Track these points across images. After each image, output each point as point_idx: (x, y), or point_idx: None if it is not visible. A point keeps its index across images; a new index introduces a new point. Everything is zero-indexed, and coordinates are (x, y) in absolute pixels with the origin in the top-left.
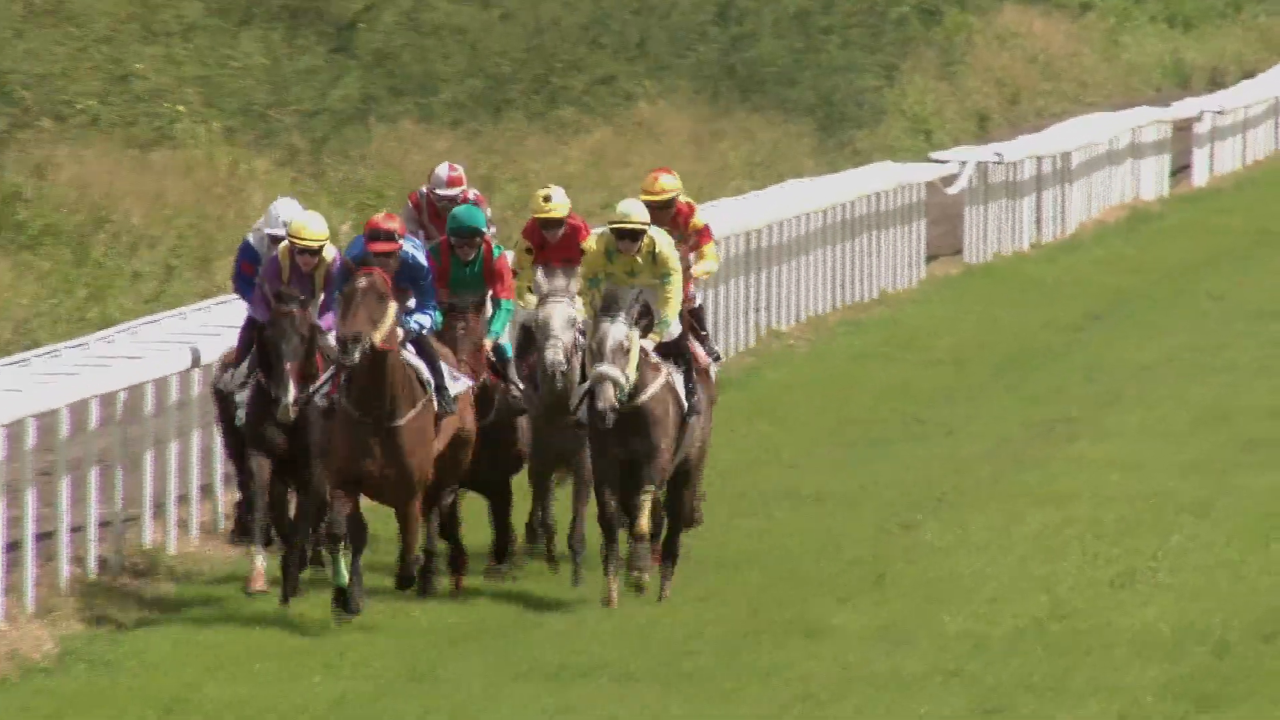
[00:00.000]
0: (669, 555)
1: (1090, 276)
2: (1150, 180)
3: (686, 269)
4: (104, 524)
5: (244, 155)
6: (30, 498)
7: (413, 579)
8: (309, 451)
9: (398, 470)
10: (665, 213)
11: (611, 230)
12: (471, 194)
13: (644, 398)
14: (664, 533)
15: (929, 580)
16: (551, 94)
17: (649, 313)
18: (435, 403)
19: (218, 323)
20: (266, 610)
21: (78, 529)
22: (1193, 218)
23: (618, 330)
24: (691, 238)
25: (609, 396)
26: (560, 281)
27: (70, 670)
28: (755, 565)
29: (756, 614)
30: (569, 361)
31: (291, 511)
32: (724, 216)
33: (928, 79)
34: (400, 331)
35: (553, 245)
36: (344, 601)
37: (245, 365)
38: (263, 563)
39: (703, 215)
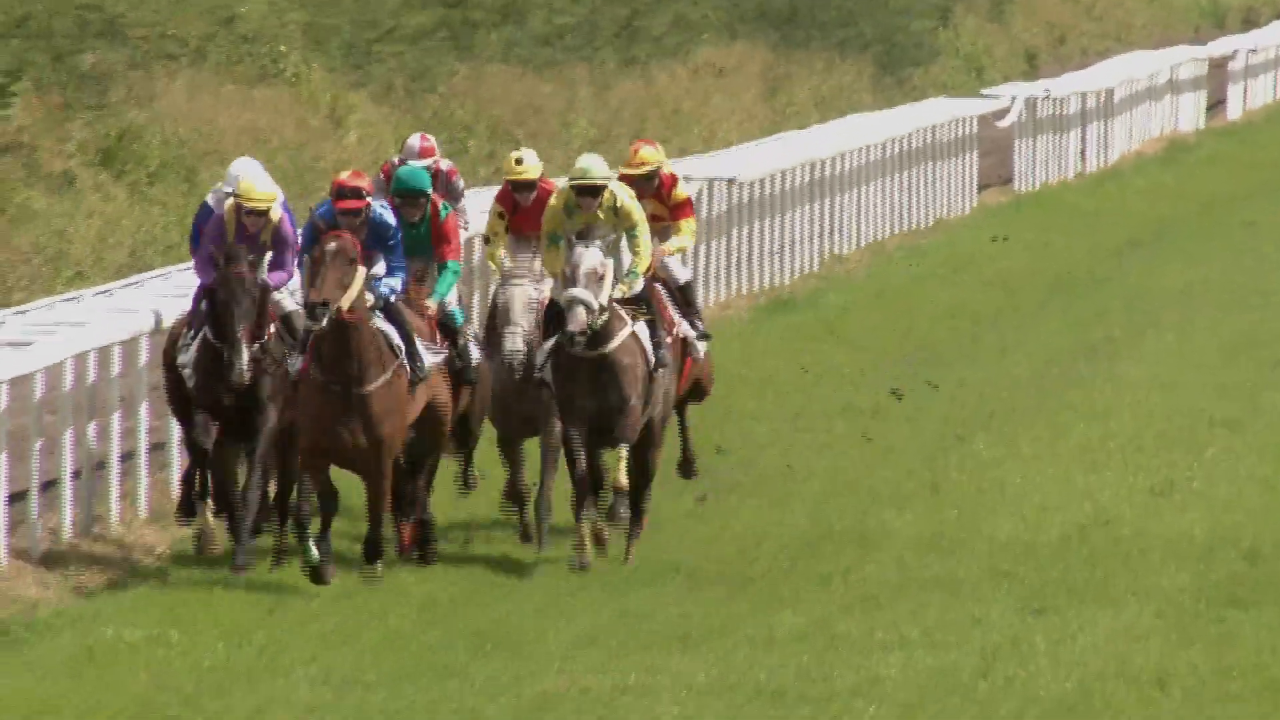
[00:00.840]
0: (635, 515)
1: (1131, 205)
2: (1188, 114)
3: (662, 248)
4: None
5: (342, 92)
6: (143, 410)
7: (380, 551)
8: (257, 411)
9: (368, 437)
10: (648, 184)
11: (571, 187)
12: (444, 164)
13: (611, 346)
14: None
15: (980, 489)
16: (632, 34)
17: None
18: (407, 369)
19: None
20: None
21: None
22: (1228, 150)
23: (592, 255)
24: (673, 210)
25: (581, 319)
26: (525, 258)
27: (180, 571)
28: (816, 476)
29: (817, 522)
30: (529, 347)
31: (240, 481)
32: (790, 149)
33: (980, 20)
34: (370, 296)
35: (525, 208)
36: (316, 577)
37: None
38: (213, 521)
39: (685, 188)
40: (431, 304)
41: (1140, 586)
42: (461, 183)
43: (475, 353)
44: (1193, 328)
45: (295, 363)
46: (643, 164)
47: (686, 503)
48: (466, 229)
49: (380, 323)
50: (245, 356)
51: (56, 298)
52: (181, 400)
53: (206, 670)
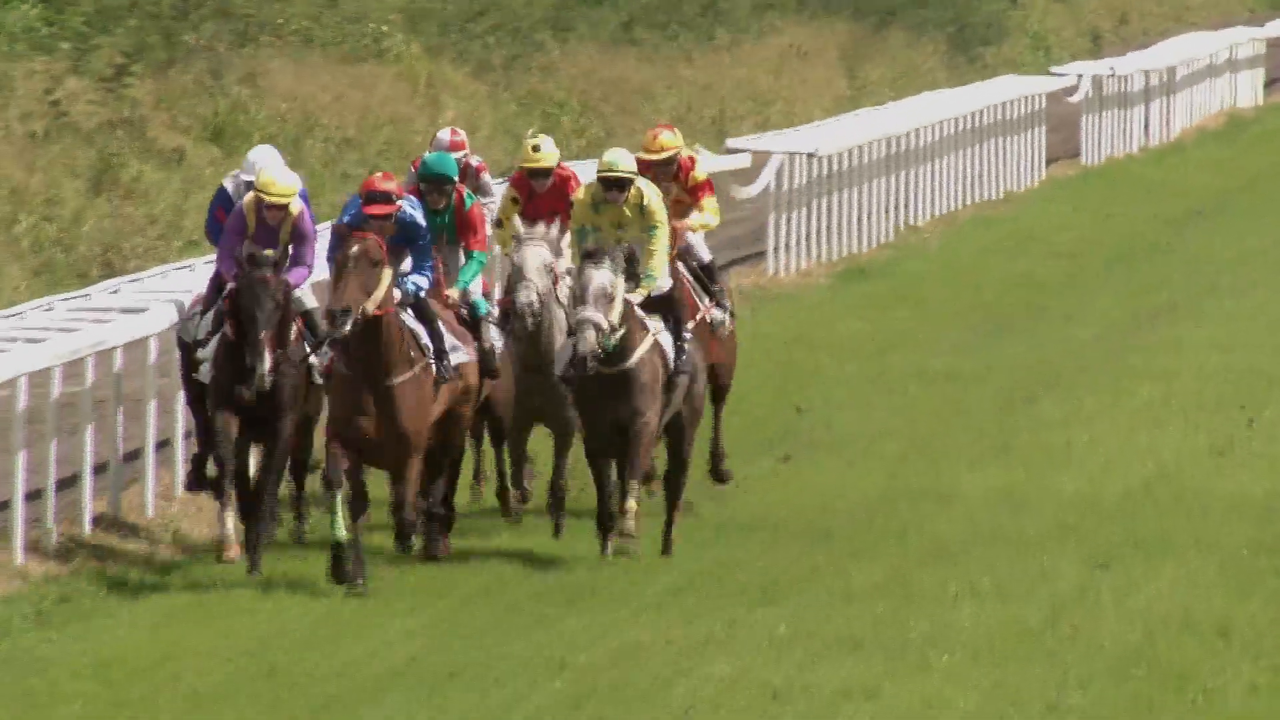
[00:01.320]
0: (672, 504)
1: (1192, 177)
2: (1246, 91)
3: (684, 222)
4: None
5: (440, 69)
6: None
7: (410, 535)
8: (279, 410)
9: (392, 430)
10: (667, 169)
11: (599, 179)
12: (474, 160)
13: (631, 361)
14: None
15: (1047, 449)
16: (715, 15)
17: (635, 264)
18: (434, 368)
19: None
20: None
21: None
22: None
23: (601, 276)
24: (692, 192)
25: (590, 341)
26: (539, 228)
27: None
28: (892, 436)
29: (893, 479)
30: (543, 303)
31: (253, 474)
32: (867, 125)
33: (1048, 1)
34: (397, 293)
35: (540, 195)
36: (339, 572)
37: (210, 317)
38: (233, 526)
39: (703, 169)
40: (454, 293)
41: (1202, 541)
42: (489, 179)
43: (498, 343)
44: (1250, 292)
45: (324, 356)
46: (662, 149)
47: (770, 463)
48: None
49: (408, 319)
50: (268, 364)
51: (169, 265)
52: (193, 384)
53: (318, 620)
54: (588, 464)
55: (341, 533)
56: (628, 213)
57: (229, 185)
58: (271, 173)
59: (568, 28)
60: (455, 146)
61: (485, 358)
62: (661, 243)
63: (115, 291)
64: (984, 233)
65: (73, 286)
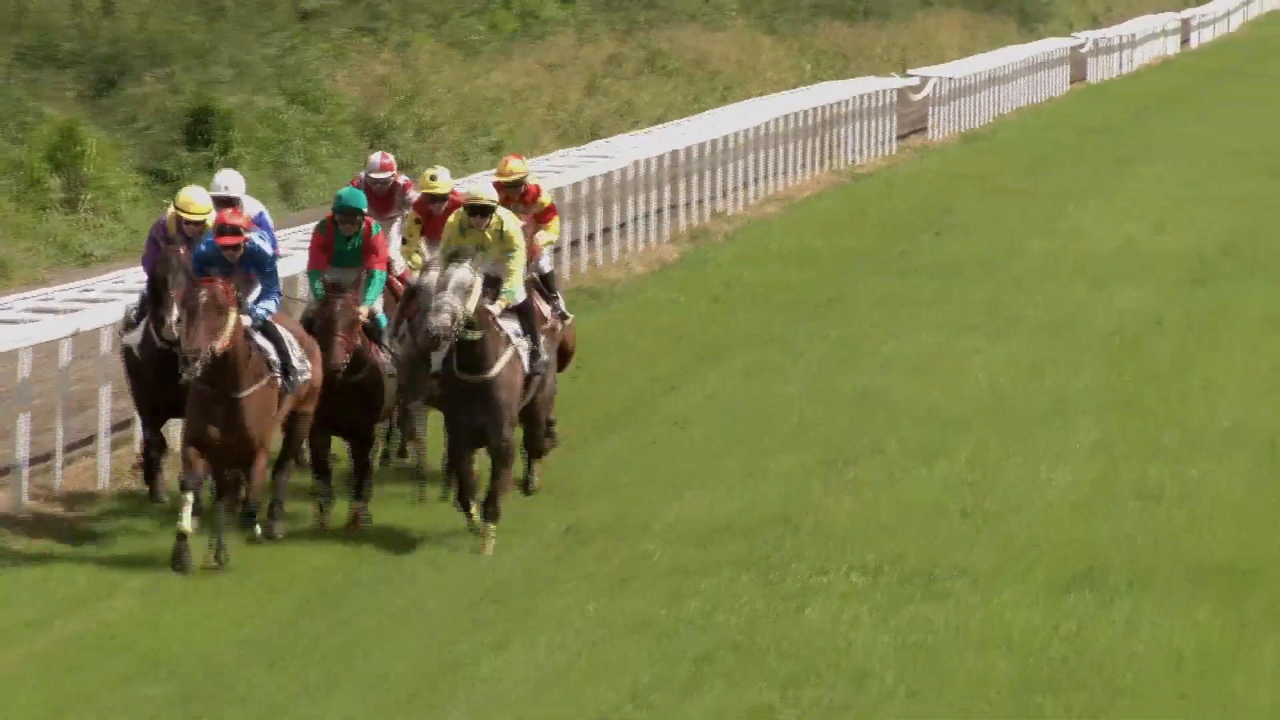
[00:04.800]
0: (535, 453)
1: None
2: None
3: (531, 240)
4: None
5: (759, 37)
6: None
7: (254, 516)
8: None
9: (238, 436)
10: (515, 190)
11: (465, 207)
12: (402, 179)
13: (493, 373)
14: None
15: None
16: (865, 10)
17: (496, 283)
18: (279, 382)
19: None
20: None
21: None
22: None
23: (462, 272)
24: (535, 213)
25: (444, 321)
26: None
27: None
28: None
29: None
30: (452, 324)
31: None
32: (971, 64)
33: None
34: (247, 320)
35: (438, 217)
36: (179, 561)
37: (145, 319)
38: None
39: (548, 195)
40: (364, 309)
41: None
42: (413, 195)
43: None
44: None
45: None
46: (511, 174)
47: None
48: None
49: (258, 338)
50: (175, 314)
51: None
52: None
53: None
54: (450, 460)
55: (186, 525)
56: (489, 236)
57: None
58: (189, 194)
59: (849, 14)
60: (385, 168)
61: (379, 366)
62: (520, 264)
63: None
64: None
65: None
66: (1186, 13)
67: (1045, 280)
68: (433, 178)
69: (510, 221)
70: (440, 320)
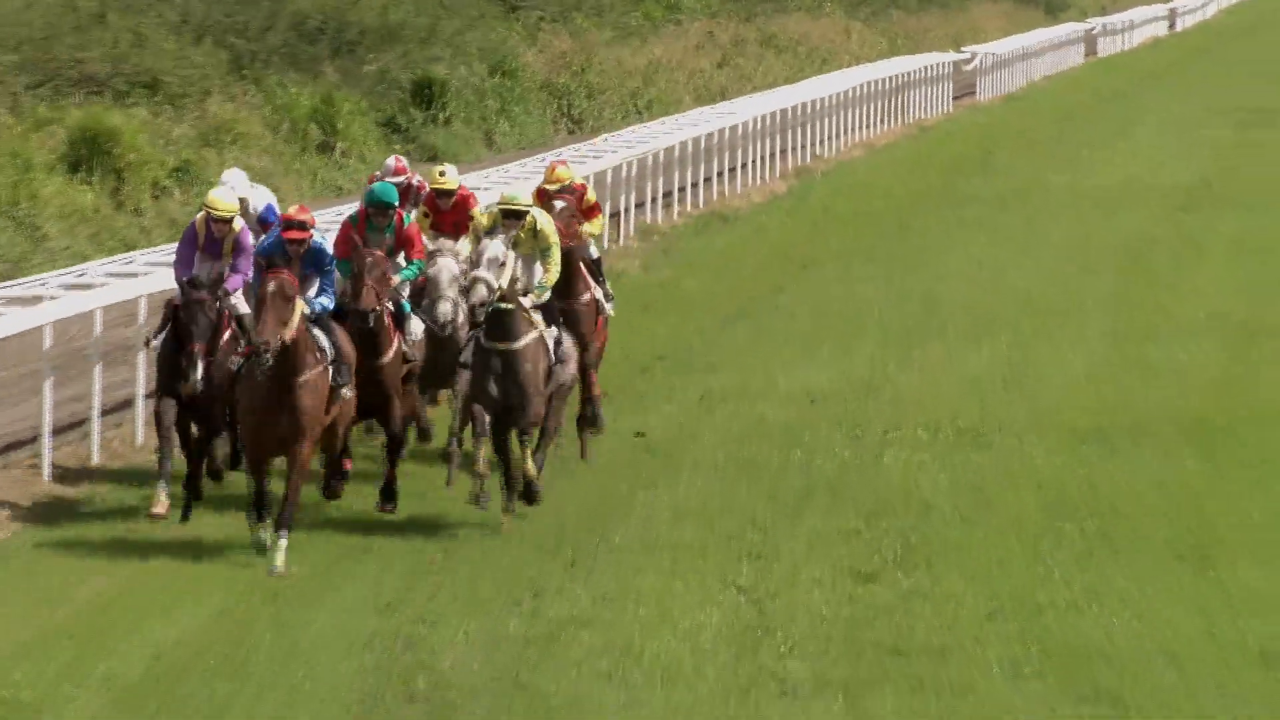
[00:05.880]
0: (544, 436)
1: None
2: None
3: (576, 231)
4: None
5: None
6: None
7: (288, 520)
8: (212, 400)
9: (292, 420)
10: (564, 194)
11: (500, 210)
12: (415, 179)
13: (519, 345)
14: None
15: None
16: (929, 1)
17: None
18: (329, 372)
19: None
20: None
21: None
22: None
23: (495, 246)
24: (588, 211)
25: (481, 293)
26: (448, 242)
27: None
28: None
29: None
30: (457, 313)
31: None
32: (1007, 43)
33: None
34: (305, 309)
35: (445, 211)
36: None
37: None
38: (165, 491)
39: (593, 194)
40: (395, 278)
41: None
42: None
43: (418, 335)
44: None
45: (236, 363)
46: (558, 180)
47: None
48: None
49: (313, 329)
50: (199, 371)
51: None
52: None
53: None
54: (473, 429)
55: (263, 545)
56: (522, 236)
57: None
58: (218, 192)
59: (917, 4)
60: (399, 171)
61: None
62: (555, 261)
63: None
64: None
65: None
66: (1175, 3)
67: (1067, 208)
68: (441, 174)
69: (543, 219)
70: (478, 292)
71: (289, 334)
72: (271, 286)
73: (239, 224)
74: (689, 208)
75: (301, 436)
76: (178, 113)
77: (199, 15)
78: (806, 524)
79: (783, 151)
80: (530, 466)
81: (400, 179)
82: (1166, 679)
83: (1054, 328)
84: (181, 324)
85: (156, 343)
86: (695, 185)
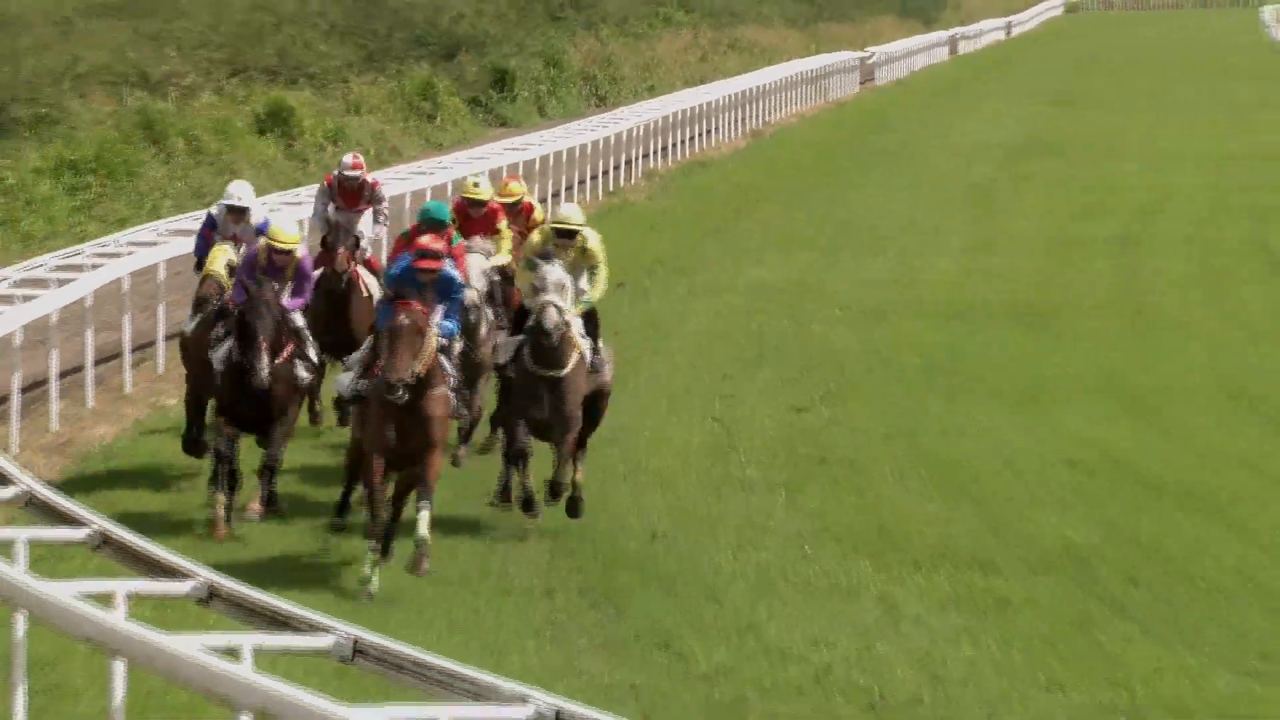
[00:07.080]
0: (581, 450)
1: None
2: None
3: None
4: None
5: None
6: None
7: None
8: (272, 414)
9: (421, 436)
10: (514, 208)
11: (553, 229)
12: (370, 177)
13: (565, 371)
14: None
15: None
16: (842, 15)
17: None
18: (450, 397)
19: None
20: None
21: None
22: None
23: (557, 270)
24: (529, 226)
25: (554, 317)
26: (476, 239)
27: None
28: None
29: None
30: (480, 303)
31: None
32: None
33: None
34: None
35: (475, 220)
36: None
37: (220, 328)
38: (224, 510)
39: (540, 211)
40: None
41: None
42: (383, 190)
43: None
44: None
45: (350, 386)
46: (511, 194)
47: None
48: (385, 223)
49: (440, 357)
50: (265, 363)
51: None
52: (193, 377)
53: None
54: (505, 439)
55: (369, 571)
56: (571, 254)
57: (214, 211)
58: (278, 224)
59: (836, 17)
60: (356, 167)
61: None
62: (603, 275)
63: None
64: None
65: None
66: (1011, 17)
67: (937, 157)
68: (475, 184)
69: (593, 239)
70: (550, 316)
71: (421, 368)
72: (405, 321)
73: (301, 251)
74: (680, 157)
75: (433, 447)
76: (329, 92)
77: (342, 24)
78: (761, 375)
79: (743, 119)
80: (569, 472)
81: (355, 174)
82: (1004, 480)
83: (927, 242)
84: (245, 325)
85: (216, 353)
86: (683, 142)
